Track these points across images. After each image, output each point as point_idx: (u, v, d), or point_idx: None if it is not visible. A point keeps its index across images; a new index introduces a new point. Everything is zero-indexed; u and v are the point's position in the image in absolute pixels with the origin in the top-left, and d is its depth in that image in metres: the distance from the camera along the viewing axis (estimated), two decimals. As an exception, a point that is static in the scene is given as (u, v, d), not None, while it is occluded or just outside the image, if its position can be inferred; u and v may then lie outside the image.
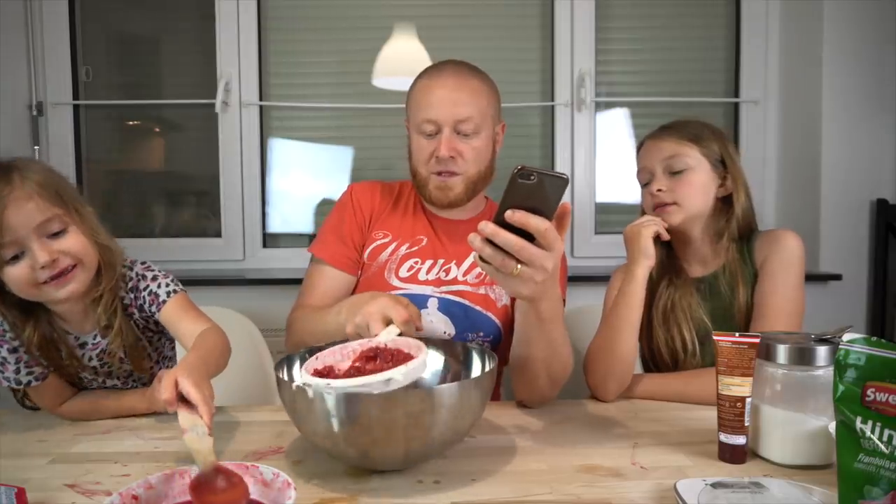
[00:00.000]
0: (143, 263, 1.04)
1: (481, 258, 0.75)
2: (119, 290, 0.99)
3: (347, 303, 1.00)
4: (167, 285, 1.02)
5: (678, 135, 1.15)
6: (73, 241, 0.89)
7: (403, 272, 1.18)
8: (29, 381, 0.97)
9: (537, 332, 0.90)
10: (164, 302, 1.00)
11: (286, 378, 0.83)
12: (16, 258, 0.86)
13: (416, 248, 1.20)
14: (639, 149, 1.23)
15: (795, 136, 2.10)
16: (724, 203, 1.16)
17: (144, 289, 1.01)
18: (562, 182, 0.70)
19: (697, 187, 1.13)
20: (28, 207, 0.85)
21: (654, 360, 1.18)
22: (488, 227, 0.72)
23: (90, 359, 1.00)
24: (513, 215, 0.70)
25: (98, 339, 0.99)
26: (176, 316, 1.00)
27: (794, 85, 2.10)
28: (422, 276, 1.18)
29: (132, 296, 1.01)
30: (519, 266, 0.73)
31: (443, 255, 1.20)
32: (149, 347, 1.06)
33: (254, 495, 0.62)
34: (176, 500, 0.61)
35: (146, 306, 1.01)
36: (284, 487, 0.60)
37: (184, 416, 0.72)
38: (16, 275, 0.86)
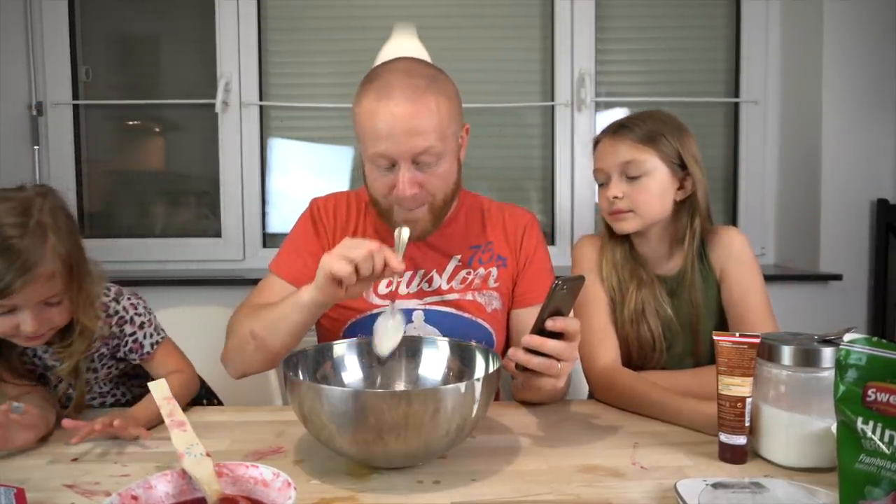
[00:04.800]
0: (129, 300, 1.03)
1: (517, 367, 0.83)
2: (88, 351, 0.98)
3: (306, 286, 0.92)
4: (151, 335, 1.03)
5: (634, 136, 1.09)
6: (60, 315, 0.91)
7: (382, 289, 1.10)
8: None
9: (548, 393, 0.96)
10: (147, 353, 1.03)
11: (294, 375, 0.83)
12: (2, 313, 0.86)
13: None
14: (596, 144, 1.17)
15: (795, 136, 2.10)
16: (682, 204, 1.12)
17: (130, 334, 1.01)
18: (581, 283, 0.83)
19: (655, 194, 1.09)
20: (45, 287, 0.86)
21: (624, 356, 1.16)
22: (534, 340, 0.80)
23: (45, 367, 0.99)
24: (554, 324, 0.80)
25: (51, 353, 0.97)
26: (156, 366, 1.04)
27: (794, 85, 2.10)
28: (402, 290, 1.10)
29: (111, 332, 1.00)
30: (560, 364, 0.81)
31: (422, 265, 1.12)
32: (98, 380, 1.05)
33: (254, 495, 0.62)
34: (176, 500, 0.61)
35: (126, 350, 1.02)
36: (284, 487, 0.59)
37: (176, 436, 0.67)
38: None
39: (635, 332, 1.12)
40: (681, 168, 1.10)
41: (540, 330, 0.81)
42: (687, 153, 1.09)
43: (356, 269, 0.82)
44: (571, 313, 0.88)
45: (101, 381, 1.06)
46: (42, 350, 0.98)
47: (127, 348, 1.02)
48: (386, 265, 0.83)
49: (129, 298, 1.03)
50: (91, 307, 0.94)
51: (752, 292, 1.09)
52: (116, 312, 1.00)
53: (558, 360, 0.80)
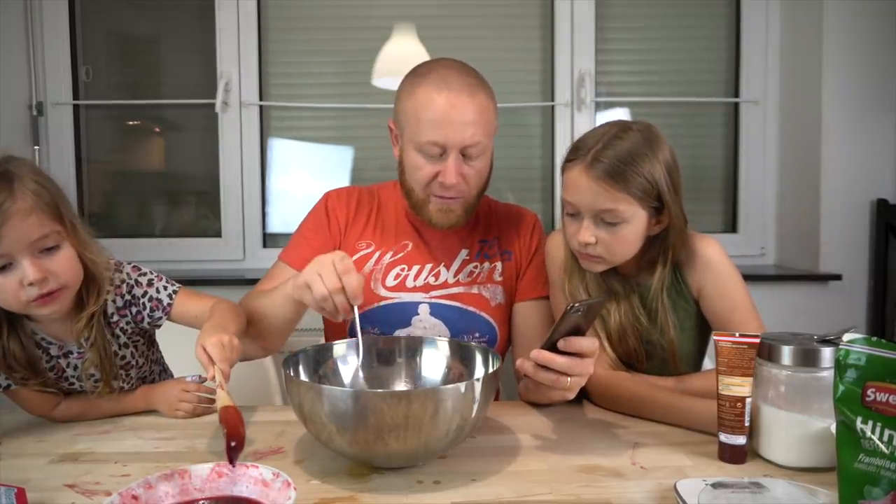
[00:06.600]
0: (131, 265, 1.01)
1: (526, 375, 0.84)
2: (104, 298, 0.96)
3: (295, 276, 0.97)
4: (165, 288, 1.00)
5: (610, 178, 0.94)
6: (63, 261, 0.87)
7: (390, 281, 1.13)
8: (9, 384, 0.94)
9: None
10: (169, 305, 0.99)
11: (294, 375, 0.83)
12: (2, 269, 0.83)
13: (401, 254, 1.15)
14: (564, 166, 1.03)
15: (795, 136, 2.10)
16: (657, 234, 1.02)
17: (143, 296, 0.98)
18: (602, 304, 0.80)
19: (631, 240, 0.99)
20: (29, 222, 0.82)
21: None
22: (542, 356, 0.80)
23: (75, 367, 0.97)
24: (568, 345, 0.79)
25: (82, 349, 0.96)
26: (186, 310, 1.00)
27: (794, 85, 2.10)
28: (409, 283, 1.13)
29: (125, 301, 0.98)
30: (570, 379, 0.81)
31: (430, 259, 1.15)
32: (135, 355, 1.02)
33: (254, 495, 0.62)
34: (176, 500, 0.61)
35: (147, 313, 0.99)
36: (284, 487, 0.60)
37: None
38: (2, 286, 0.83)
39: (619, 345, 1.06)
40: (657, 208, 0.98)
41: (553, 345, 0.80)
42: (664, 185, 0.96)
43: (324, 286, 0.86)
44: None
45: (133, 361, 1.02)
46: (68, 348, 0.95)
47: (147, 311, 0.98)
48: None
49: (129, 264, 1.01)
50: (92, 245, 0.92)
51: (738, 304, 1.02)
52: (123, 281, 0.98)
53: (568, 375, 0.81)
